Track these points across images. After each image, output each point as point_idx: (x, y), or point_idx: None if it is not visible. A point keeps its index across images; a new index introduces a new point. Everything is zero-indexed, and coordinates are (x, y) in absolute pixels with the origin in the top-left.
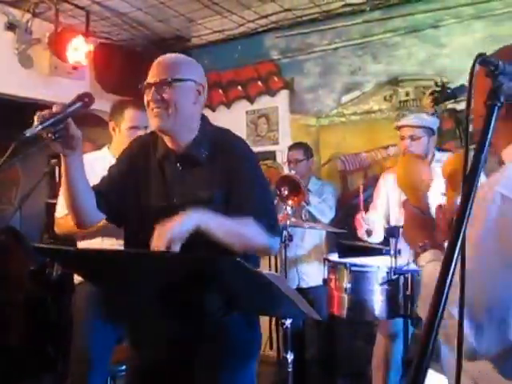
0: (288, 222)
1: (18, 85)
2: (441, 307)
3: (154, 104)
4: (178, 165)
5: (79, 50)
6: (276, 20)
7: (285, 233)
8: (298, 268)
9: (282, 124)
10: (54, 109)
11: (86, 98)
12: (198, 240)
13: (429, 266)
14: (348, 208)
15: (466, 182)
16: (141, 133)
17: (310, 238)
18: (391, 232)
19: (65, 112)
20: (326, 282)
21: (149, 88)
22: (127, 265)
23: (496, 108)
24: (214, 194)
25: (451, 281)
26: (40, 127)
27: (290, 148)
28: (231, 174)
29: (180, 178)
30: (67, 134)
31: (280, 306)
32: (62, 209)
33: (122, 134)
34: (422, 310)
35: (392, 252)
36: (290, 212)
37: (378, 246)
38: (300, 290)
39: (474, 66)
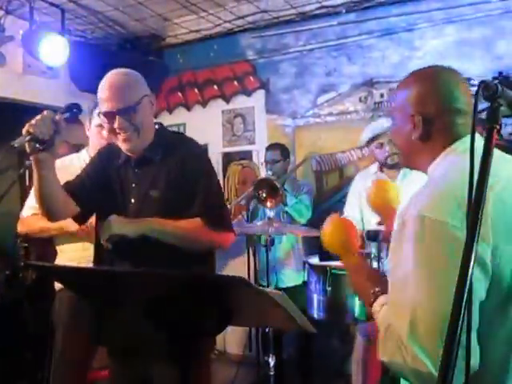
0: (270, 229)
1: None
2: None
3: (122, 131)
4: (136, 170)
5: (54, 48)
6: (252, 20)
7: (266, 237)
8: (277, 268)
9: (258, 124)
10: (41, 119)
11: (74, 109)
12: (148, 242)
13: (384, 308)
14: (323, 208)
15: (472, 210)
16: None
17: (288, 239)
18: (372, 236)
19: (53, 124)
20: (305, 284)
21: (110, 116)
22: (124, 282)
23: (494, 130)
24: (164, 193)
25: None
26: (28, 138)
27: (268, 148)
28: (182, 172)
29: (136, 180)
30: (53, 143)
31: (278, 322)
32: (28, 210)
33: (92, 131)
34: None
35: (373, 256)
36: (271, 216)
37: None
38: (279, 289)
39: (478, 92)
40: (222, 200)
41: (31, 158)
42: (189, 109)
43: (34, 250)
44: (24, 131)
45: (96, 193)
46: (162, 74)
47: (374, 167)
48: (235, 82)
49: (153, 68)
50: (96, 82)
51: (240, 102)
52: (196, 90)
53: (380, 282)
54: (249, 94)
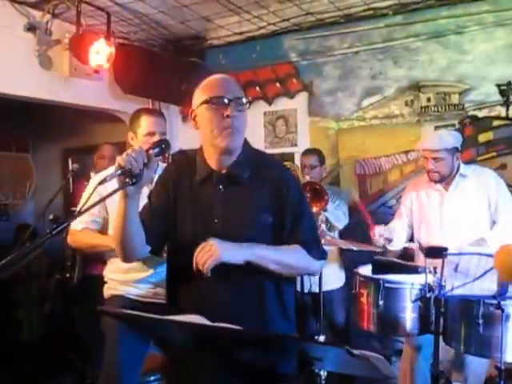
0: (323, 241)
1: (38, 87)
2: None
3: (234, 120)
4: (221, 187)
5: (101, 52)
6: (296, 22)
7: None
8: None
9: (301, 126)
10: (133, 154)
11: (163, 145)
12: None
13: None
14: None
15: None
16: (156, 138)
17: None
18: (432, 252)
19: (144, 158)
20: (355, 295)
21: (223, 101)
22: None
23: None
24: (259, 217)
25: None
26: (120, 172)
27: (304, 154)
28: (279, 196)
29: (222, 200)
30: (141, 178)
31: (362, 372)
32: (79, 224)
33: (140, 141)
34: None
35: (428, 270)
36: (324, 228)
37: (413, 264)
38: (313, 294)
39: None
40: (316, 226)
41: (120, 192)
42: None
43: (80, 252)
44: (115, 165)
45: (166, 220)
46: (204, 74)
47: (426, 177)
48: (277, 84)
49: (194, 69)
50: (140, 84)
51: (282, 104)
52: None
53: None
54: (291, 96)
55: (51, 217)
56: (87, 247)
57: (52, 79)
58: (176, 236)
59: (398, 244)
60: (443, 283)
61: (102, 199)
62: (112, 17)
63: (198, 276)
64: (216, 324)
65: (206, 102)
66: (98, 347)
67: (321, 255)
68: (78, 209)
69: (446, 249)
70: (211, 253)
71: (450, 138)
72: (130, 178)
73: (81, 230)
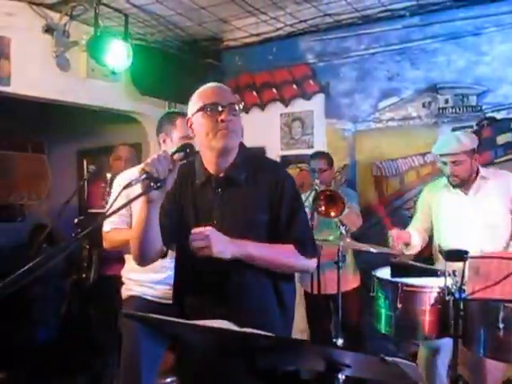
0: (342, 243)
1: (55, 88)
2: None
3: (229, 123)
4: (219, 189)
5: (118, 53)
6: (313, 23)
7: (338, 253)
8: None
9: (317, 128)
10: (159, 159)
11: (188, 149)
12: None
13: None
14: (383, 214)
15: None
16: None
17: None
18: (452, 255)
19: (169, 163)
20: (372, 298)
21: (217, 108)
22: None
23: None
24: (256, 218)
25: None
26: (144, 177)
27: (312, 157)
28: (275, 196)
29: (220, 202)
30: (165, 183)
31: (390, 378)
32: (107, 224)
33: (175, 144)
34: None
35: (447, 273)
36: (343, 232)
37: (432, 268)
38: (327, 295)
39: None
40: (309, 224)
41: (143, 197)
42: (247, 111)
43: (96, 252)
44: (140, 170)
45: (174, 226)
46: (219, 76)
47: (444, 180)
48: (294, 86)
49: (211, 70)
50: (156, 85)
51: (299, 106)
52: (254, 93)
53: None
54: (308, 97)
55: (76, 221)
56: (121, 244)
57: (69, 80)
58: (181, 238)
59: (415, 248)
60: (463, 287)
61: (128, 203)
62: (130, 19)
63: (201, 275)
64: (244, 330)
65: (201, 109)
66: (113, 347)
67: (313, 252)
68: (107, 211)
69: (466, 252)
70: (204, 244)
71: (468, 140)
72: (154, 183)
73: (110, 231)
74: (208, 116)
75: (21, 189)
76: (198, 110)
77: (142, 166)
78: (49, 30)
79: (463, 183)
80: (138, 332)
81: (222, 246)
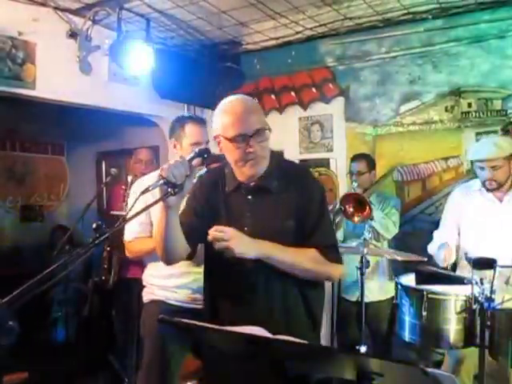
0: (365, 250)
1: (78, 91)
2: None
3: (257, 152)
4: (250, 196)
5: (141, 58)
6: (333, 27)
7: (362, 259)
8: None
9: (337, 131)
10: (176, 164)
11: (205, 154)
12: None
13: None
14: (405, 220)
15: None
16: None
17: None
18: (480, 263)
19: (186, 169)
20: (397, 305)
21: (244, 139)
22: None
23: None
24: (284, 224)
25: None
26: (162, 182)
27: (353, 159)
28: (303, 203)
29: (251, 209)
30: (183, 187)
31: None
32: (129, 233)
33: (185, 150)
34: None
35: (474, 281)
36: (367, 237)
37: (457, 275)
38: (360, 303)
39: None
40: (334, 230)
41: (162, 202)
42: (265, 115)
43: (115, 254)
44: (157, 175)
45: (204, 227)
46: (238, 79)
47: (477, 184)
48: (313, 89)
49: (230, 74)
50: (175, 89)
51: (318, 109)
52: (273, 96)
53: None
54: (327, 101)
55: (94, 226)
56: (145, 254)
57: (91, 84)
58: (211, 245)
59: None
60: (492, 296)
61: (145, 208)
62: (151, 23)
63: (231, 280)
64: (277, 336)
65: (228, 139)
66: (133, 349)
67: (337, 258)
68: (126, 217)
69: (495, 260)
70: (226, 244)
71: (506, 144)
72: (172, 188)
73: (132, 240)
74: (236, 147)
75: (40, 190)
76: (225, 139)
77: (159, 171)
78: (73, 34)
79: (500, 187)
80: (161, 336)
81: (244, 246)
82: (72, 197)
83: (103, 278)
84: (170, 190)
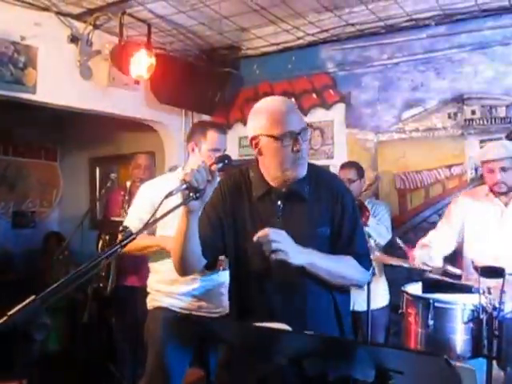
0: (372, 256)
1: (77, 96)
2: None
3: (303, 152)
4: (280, 202)
5: (141, 63)
6: (334, 32)
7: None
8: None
9: (338, 138)
10: (199, 169)
11: (226, 160)
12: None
13: None
14: (406, 228)
15: None
16: (219, 154)
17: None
18: (488, 272)
19: (208, 174)
20: (402, 315)
21: (292, 138)
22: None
23: None
24: (318, 231)
25: None
26: (184, 187)
27: (342, 167)
28: (336, 211)
29: (282, 215)
30: (205, 192)
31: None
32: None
33: (203, 154)
34: None
35: (481, 291)
36: (372, 244)
37: (465, 284)
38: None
39: None
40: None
41: (183, 207)
42: None
43: (113, 262)
44: (180, 180)
45: (220, 237)
46: (238, 84)
47: (484, 189)
48: (314, 95)
49: (229, 79)
50: (175, 94)
51: (318, 116)
52: None
53: None
54: (328, 107)
55: (121, 228)
56: (136, 250)
57: (91, 89)
58: (237, 250)
59: (438, 258)
60: (501, 306)
61: (169, 212)
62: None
63: (261, 286)
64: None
65: (274, 138)
66: (133, 356)
67: (370, 266)
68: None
69: (503, 269)
70: (279, 247)
71: None
72: (193, 193)
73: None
74: (283, 146)
75: (33, 196)
76: (270, 137)
77: (182, 176)
78: (73, 39)
79: (510, 190)
80: (165, 344)
81: (296, 251)
82: (64, 203)
83: (101, 285)
84: (192, 194)
